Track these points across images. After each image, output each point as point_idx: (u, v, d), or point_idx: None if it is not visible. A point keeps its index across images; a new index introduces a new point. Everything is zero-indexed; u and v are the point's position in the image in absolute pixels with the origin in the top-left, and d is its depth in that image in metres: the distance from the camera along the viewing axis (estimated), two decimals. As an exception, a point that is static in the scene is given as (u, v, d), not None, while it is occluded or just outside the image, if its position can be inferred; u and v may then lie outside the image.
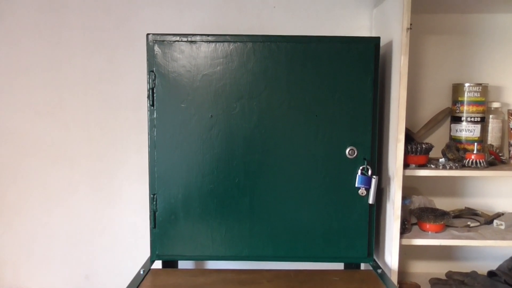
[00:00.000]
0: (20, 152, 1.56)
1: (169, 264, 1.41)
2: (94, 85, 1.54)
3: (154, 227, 1.30)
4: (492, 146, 1.43)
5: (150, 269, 1.29)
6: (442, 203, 1.55)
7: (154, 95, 1.26)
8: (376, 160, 1.30)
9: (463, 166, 1.34)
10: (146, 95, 1.26)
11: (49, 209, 1.58)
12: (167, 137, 1.27)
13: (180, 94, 1.26)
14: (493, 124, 1.46)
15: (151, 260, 1.31)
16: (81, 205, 1.58)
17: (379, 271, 1.27)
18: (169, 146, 1.27)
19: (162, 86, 1.25)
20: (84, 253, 1.59)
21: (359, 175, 1.27)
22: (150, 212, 1.30)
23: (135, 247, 1.59)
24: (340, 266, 1.46)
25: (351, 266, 1.43)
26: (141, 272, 1.25)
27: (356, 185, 1.27)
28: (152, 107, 1.26)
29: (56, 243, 1.59)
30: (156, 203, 1.29)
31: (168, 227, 1.30)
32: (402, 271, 1.58)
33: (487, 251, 1.56)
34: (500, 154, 1.41)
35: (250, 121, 1.27)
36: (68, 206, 1.58)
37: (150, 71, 1.25)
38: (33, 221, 1.59)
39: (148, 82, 1.26)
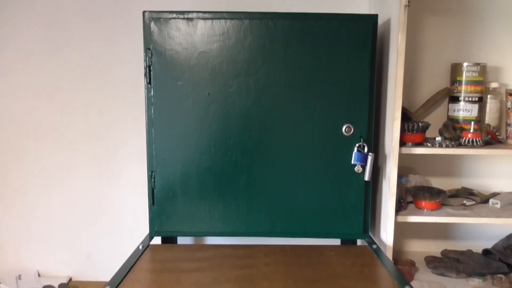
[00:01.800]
0: (20, 134, 1.58)
1: (168, 241, 1.43)
2: (92, 66, 1.54)
3: (153, 204, 1.32)
4: (489, 125, 1.43)
5: (149, 244, 1.31)
6: (439, 183, 1.56)
7: (151, 73, 1.26)
8: (373, 138, 1.31)
9: (459, 145, 1.34)
10: (143, 74, 1.27)
11: (49, 191, 1.60)
12: (164, 115, 1.28)
13: (177, 71, 1.26)
14: (491, 104, 1.46)
15: (150, 237, 1.33)
16: (81, 186, 1.59)
17: (374, 246, 1.29)
18: (166, 124, 1.28)
19: (159, 64, 1.26)
20: (85, 234, 1.62)
21: (355, 152, 1.28)
22: (149, 189, 1.31)
23: (135, 227, 1.61)
24: (336, 242, 1.48)
25: (347, 242, 1.45)
26: (140, 248, 1.27)
27: (352, 162, 1.28)
28: (149, 85, 1.27)
29: (57, 224, 1.61)
30: (154, 180, 1.31)
31: (166, 204, 1.31)
32: (398, 250, 1.60)
33: (483, 230, 1.58)
34: (497, 134, 1.41)
35: (247, 99, 1.27)
36: (68, 187, 1.60)
37: (146, 49, 1.26)
38: (34, 203, 1.61)
39: (145, 60, 1.26)
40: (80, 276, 1.63)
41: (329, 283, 1.06)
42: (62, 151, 1.58)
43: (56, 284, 1.51)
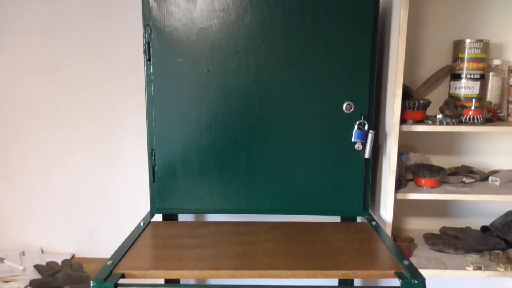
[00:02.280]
0: (20, 113, 1.57)
1: (169, 218, 1.44)
2: (91, 43, 1.53)
3: (154, 181, 1.32)
4: (491, 103, 1.42)
5: (150, 221, 1.32)
6: (439, 161, 1.56)
7: (150, 49, 1.25)
8: (373, 115, 1.30)
9: (460, 122, 1.34)
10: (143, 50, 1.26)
11: (51, 169, 1.61)
12: (164, 92, 1.27)
13: (176, 48, 1.25)
14: (493, 82, 1.45)
15: (151, 214, 1.35)
16: (82, 164, 1.60)
17: (374, 223, 1.30)
18: (166, 101, 1.28)
19: (158, 40, 1.25)
20: (87, 211, 1.63)
21: (355, 130, 1.28)
22: (149, 167, 1.32)
23: (137, 205, 1.62)
24: (336, 219, 1.50)
25: (347, 219, 1.46)
26: (142, 224, 1.28)
27: (353, 140, 1.28)
28: (148, 62, 1.26)
29: (59, 202, 1.63)
30: (154, 158, 1.31)
31: (167, 181, 1.32)
32: (397, 227, 1.61)
33: (482, 207, 1.59)
34: (498, 111, 1.41)
35: (247, 76, 1.26)
36: (69, 165, 1.60)
37: (145, 25, 1.24)
38: (35, 181, 1.61)
39: (144, 37, 1.25)
40: (82, 253, 1.65)
41: (328, 258, 1.08)
42: (63, 130, 1.58)
43: (59, 261, 1.53)
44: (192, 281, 1.61)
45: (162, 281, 1.38)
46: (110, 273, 0.98)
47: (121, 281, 0.96)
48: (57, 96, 1.56)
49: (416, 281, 0.95)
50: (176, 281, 1.43)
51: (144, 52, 1.25)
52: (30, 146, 1.59)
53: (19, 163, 1.60)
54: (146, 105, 1.28)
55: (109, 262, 1.02)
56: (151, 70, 1.26)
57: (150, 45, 1.25)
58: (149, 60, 1.26)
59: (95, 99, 1.56)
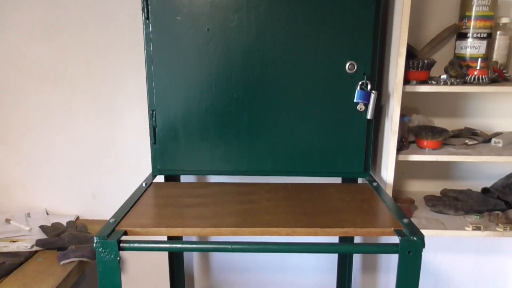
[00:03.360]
0: (19, 75, 1.56)
1: (171, 180, 1.45)
2: (89, 4, 1.49)
3: (155, 143, 1.32)
4: (497, 63, 1.40)
5: (152, 182, 1.33)
6: (442, 123, 1.54)
7: (149, 7, 1.22)
8: (376, 75, 1.28)
9: (465, 83, 1.32)
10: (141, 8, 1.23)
11: (52, 131, 1.60)
12: (163, 51, 1.25)
13: (175, 5, 1.21)
14: (500, 41, 1.41)
15: (153, 175, 1.35)
16: (83, 126, 1.60)
17: (375, 184, 1.30)
18: (166, 61, 1.25)
19: (156, -3, 1.21)
20: (90, 173, 1.64)
21: (358, 90, 1.26)
22: (150, 128, 1.31)
23: (139, 166, 1.63)
24: (337, 181, 1.50)
25: (348, 181, 1.46)
26: (144, 185, 1.29)
27: (355, 100, 1.27)
28: (147, 20, 1.23)
29: (62, 164, 1.63)
30: (155, 119, 1.30)
31: (168, 143, 1.32)
32: (398, 190, 1.62)
33: (483, 169, 1.59)
34: (504, 71, 1.38)
35: (248, 34, 1.23)
36: (70, 128, 1.60)
37: (143, -19, 1.21)
38: (37, 143, 1.62)
39: (142, -6, 1.22)
40: (86, 214, 1.67)
41: (329, 216, 1.09)
42: (63, 92, 1.57)
43: (64, 222, 1.56)
44: (194, 239, 1.64)
45: (164, 238, 1.40)
46: (113, 230, 0.99)
47: (124, 237, 0.98)
48: (55, 58, 1.54)
49: (415, 238, 0.96)
50: (179, 239, 1.46)
51: (143, 10, 1.22)
52: (31, 109, 1.58)
53: (20, 126, 1.60)
54: (146, 65, 1.26)
55: (112, 220, 1.03)
56: (150, 29, 1.24)
57: (148, 2, 1.22)
58: (147, 18, 1.23)
59: (94, 60, 1.54)
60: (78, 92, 1.57)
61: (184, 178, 1.57)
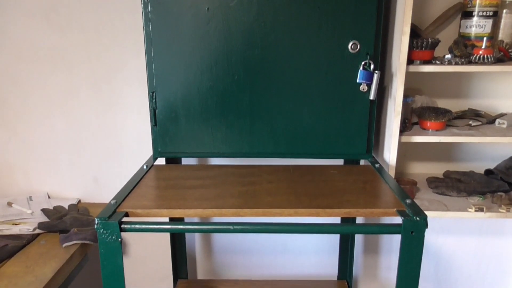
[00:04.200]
0: (17, 57, 1.54)
1: (172, 162, 1.44)
2: (86, -17, 1.46)
3: (155, 125, 1.31)
4: (502, 42, 1.37)
5: (153, 164, 1.32)
6: (446, 104, 1.52)
7: (148, -14, 1.20)
8: (379, 55, 1.26)
9: (469, 62, 1.29)
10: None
11: (52, 115, 1.59)
12: (163, 32, 1.23)
13: (174, -16, 1.19)
14: (506, 19, 1.38)
15: (154, 158, 1.35)
16: (83, 109, 1.58)
17: (377, 165, 1.29)
18: (165, 41, 1.23)
19: (155, -24, 1.19)
20: (91, 157, 1.63)
21: (361, 70, 1.24)
22: (150, 110, 1.30)
23: (140, 150, 1.62)
24: (339, 163, 1.49)
25: (351, 162, 1.45)
26: (144, 167, 1.29)
27: (358, 81, 1.25)
28: (145, 0, 1.21)
29: (62, 148, 1.63)
30: (155, 101, 1.29)
31: (168, 125, 1.31)
32: (401, 171, 1.61)
33: (487, 151, 1.57)
34: (510, 51, 1.36)
35: (249, 14, 1.21)
36: (70, 111, 1.59)
37: (141, -41, 1.18)
38: (37, 127, 1.61)
39: (141, -28, 1.19)
40: (88, 198, 1.67)
41: (331, 197, 1.08)
42: (61, 74, 1.55)
43: (65, 205, 1.56)
44: (196, 220, 1.63)
45: (166, 220, 1.40)
46: (114, 212, 0.99)
47: (125, 219, 0.98)
48: (53, 39, 1.51)
49: (418, 218, 0.96)
50: (180, 220, 1.46)
51: (141, -11, 1.20)
52: (29, 92, 1.57)
53: (19, 109, 1.59)
54: (145, 46, 1.24)
55: (113, 201, 1.03)
56: (149, 9, 1.21)
57: (147, -19, 1.19)
58: (146, -3, 1.20)
59: (92, 42, 1.51)
60: (77, 74, 1.55)
61: (185, 161, 1.56)
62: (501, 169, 1.48)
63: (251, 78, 1.26)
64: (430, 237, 1.68)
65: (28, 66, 1.54)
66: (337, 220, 1.58)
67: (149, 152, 1.62)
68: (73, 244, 1.32)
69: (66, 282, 1.29)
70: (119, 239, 0.95)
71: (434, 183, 1.47)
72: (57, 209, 1.53)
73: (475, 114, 1.50)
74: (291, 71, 1.25)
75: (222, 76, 1.26)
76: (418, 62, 1.29)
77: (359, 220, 1.59)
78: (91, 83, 1.55)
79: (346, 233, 1.56)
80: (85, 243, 1.34)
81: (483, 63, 1.27)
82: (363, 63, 1.24)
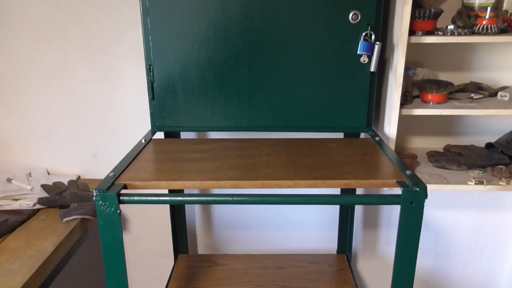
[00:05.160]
0: (12, 34, 1.51)
1: (171, 136, 1.43)
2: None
3: (153, 98, 1.30)
4: (507, 12, 1.34)
5: (151, 139, 1.31)
6: (447, 77, 1.50)
7: (143, -46, 1.16)
8: (381, 26, 1.23)
9: (473, 33, 1.27)
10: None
11: (49, 91, 1.57)
12: (159, 2, 1.20)
13: (170, -48, 1.16)
14: (511, -11, 1.35)
15: (152, 132, 1.34)
16: (80, 84, 1.56)
17: (377, 138, 1.28)
18: (162, 12, 1.21)
19: None
20: (89, 133, 1.62)
21: (361, 41, 1.22)
22: (148, 83, 1.28)
23: (139, 125, 1.61)
24: (339, 136, 1.48)
25: (351, 136, 1.44)
26: (143, 141, 1.28)
27: (358, 52, 1.23)
28: (141, -31, 1.18)
29: (61, 124, 1.61)
30: (153, 74, 1.27)
31: (167, 98, 1.29)
32: (401, 146, 1.61)
33: (488, 124, 1.56)
34: (514, 21, 1.33)
35: (247, -17, 1.18)
36: (67, 86, 1.57)
37: None
38: (34, 103, 1.59)
39: None
40: (87, 174, 1.67)
41: (330, 169, 1.07)
42: (58, 49, 1.52)
43: (65, 181, 1.56)
44: (195, 192, 1.63)
45: (166, 192, 1.40)
46: (113, 184, 0.98)
47: (124, 191, 0.97)
48: (48, 14, 1.48)
49: (417, 189, 0.95)
50: (179, 192, 1.46)
51: (136, -43, 1.16)
52: (25, 67, 1.55)
53: (15, 84, 1.57)
54: (141, 17, 1.21)
55: (111, 174, 1.02)
56: (144, -22, 1.18)
57: (142, -51, 1.16)
58: (141, -34, 1.17)
59: (88, 14, 1.48)
60: (73, 49, 1.52)
61: (184, 135, 1.55)
62: (502, 143, 1.47)
63: (249, 50, 1.24)
64: (430, 211, 1.68)
65: (23, 41, 1.52)
66: (336, 192, 1.58)
67: (148, 127, 1.61)
68: (73, 219, 1.33)
69: (66, 256, 1.30)
70: (118, 211, 0.95)
71: (435, 156, 1.46)
72: (57, 184, 1.53)
73: (477, 87, 1.48)
74: (290, 43, 1.23)
75: (220, 48, 1.24)
76: (420, 33, 1.26)
77: (359, 192, 1.59)
78: (87, 58, 1.53)
79: (346, 204, 1.55)
80: (85, 218, 1.34)
81: (487, 34, 1.25)
82: (364, 33, 1.22)
